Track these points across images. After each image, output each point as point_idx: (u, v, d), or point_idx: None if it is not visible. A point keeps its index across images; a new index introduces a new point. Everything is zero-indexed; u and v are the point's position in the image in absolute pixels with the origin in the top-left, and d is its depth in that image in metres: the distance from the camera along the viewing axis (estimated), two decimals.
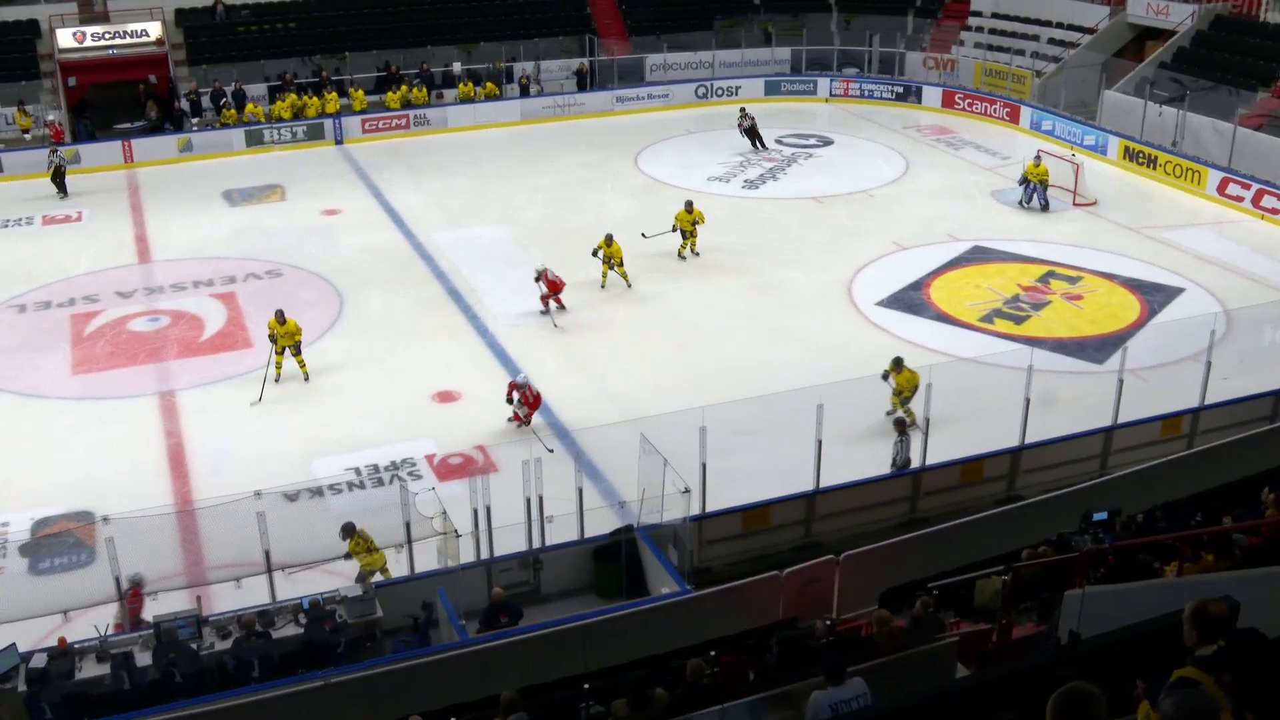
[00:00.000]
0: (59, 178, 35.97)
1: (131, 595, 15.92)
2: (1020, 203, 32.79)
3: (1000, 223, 31.61)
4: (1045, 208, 32.35)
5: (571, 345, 24.80)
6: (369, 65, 43.88)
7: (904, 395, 20.82)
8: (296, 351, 23.20)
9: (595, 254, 27.17)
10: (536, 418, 21.24)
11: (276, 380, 23.01)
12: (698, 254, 29.48)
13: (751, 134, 38.62)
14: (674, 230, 29.40)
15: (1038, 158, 33.09)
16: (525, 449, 16.68)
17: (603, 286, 27.22)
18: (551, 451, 20.16)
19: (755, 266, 28.89)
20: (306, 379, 23.33)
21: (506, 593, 15.78)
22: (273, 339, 22.97)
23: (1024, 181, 32.85)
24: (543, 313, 26.01)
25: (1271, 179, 31.82)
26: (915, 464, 19.07)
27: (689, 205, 29.59)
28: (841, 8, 48.24)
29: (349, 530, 16.80)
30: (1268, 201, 31.58)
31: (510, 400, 21.16)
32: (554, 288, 26.02)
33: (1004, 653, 11.73)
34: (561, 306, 26.29)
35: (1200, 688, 5.78)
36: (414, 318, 26.49)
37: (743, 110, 39.11)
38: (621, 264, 27.32)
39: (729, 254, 29.69)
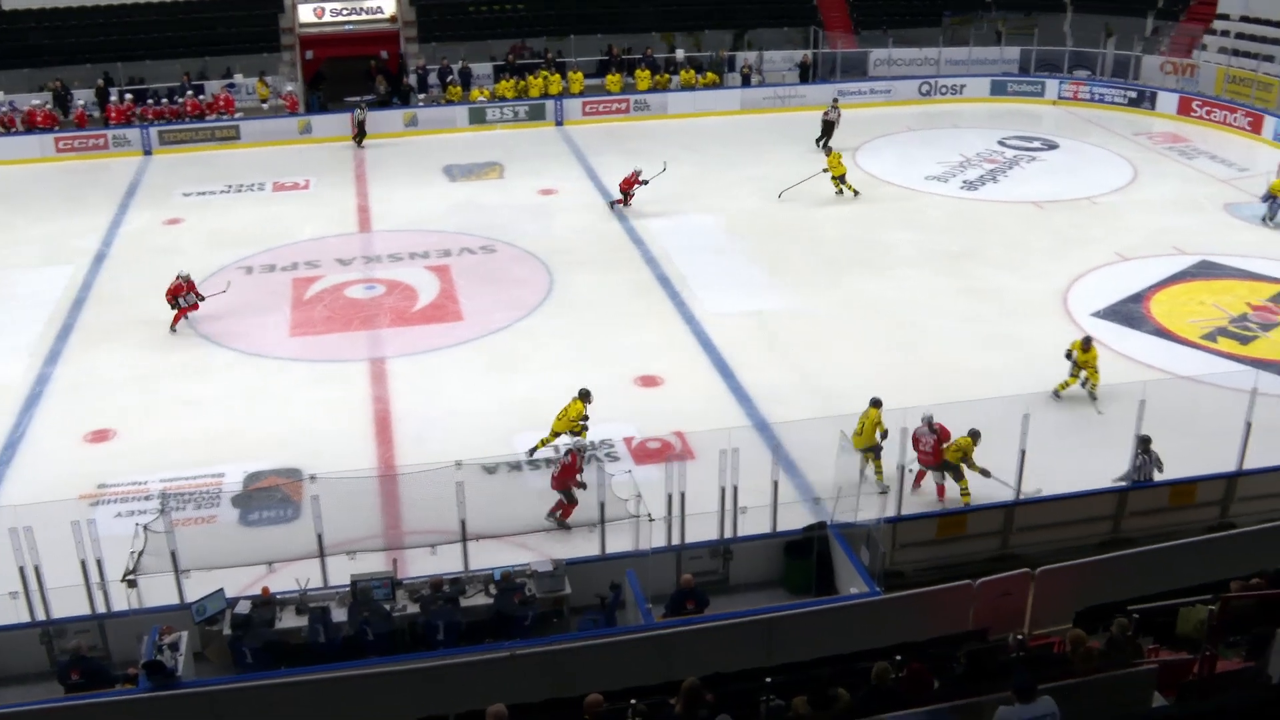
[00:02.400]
0: (360, 129, 39.10)
1: None
2: (1264, 219, 31.20)
3: (1232, 238, 30.16)
4: None
5: (776, 335, 24.65)
6: (593, 49, 44.47)
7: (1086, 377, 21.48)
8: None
9: (1069, 356, 21.79)
10: None
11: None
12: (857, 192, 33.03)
13: (828, 129, 37.96)
14: (824, 172, 32.78)
15: None
16: (724, 438, 16.62)
17: (1057, 394, 21.79)
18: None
19: (969, 269, 28.25)
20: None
21: (695, 580, 15.78)
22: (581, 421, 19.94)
23: (1269, 198, 31.25)
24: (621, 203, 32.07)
25: None
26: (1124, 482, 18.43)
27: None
28: (1077, 8, 46.80)
29: (585, 395, 19.61)
30: None
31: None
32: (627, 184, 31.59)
33: (1207, 685, 11.21)
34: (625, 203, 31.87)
35: None
36: (622, 301, 26.72)
37: (835, 101, 38.74)
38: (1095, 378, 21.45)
39: (943, 254, 29.10)
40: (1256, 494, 18.30)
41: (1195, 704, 10.50)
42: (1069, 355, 21.78)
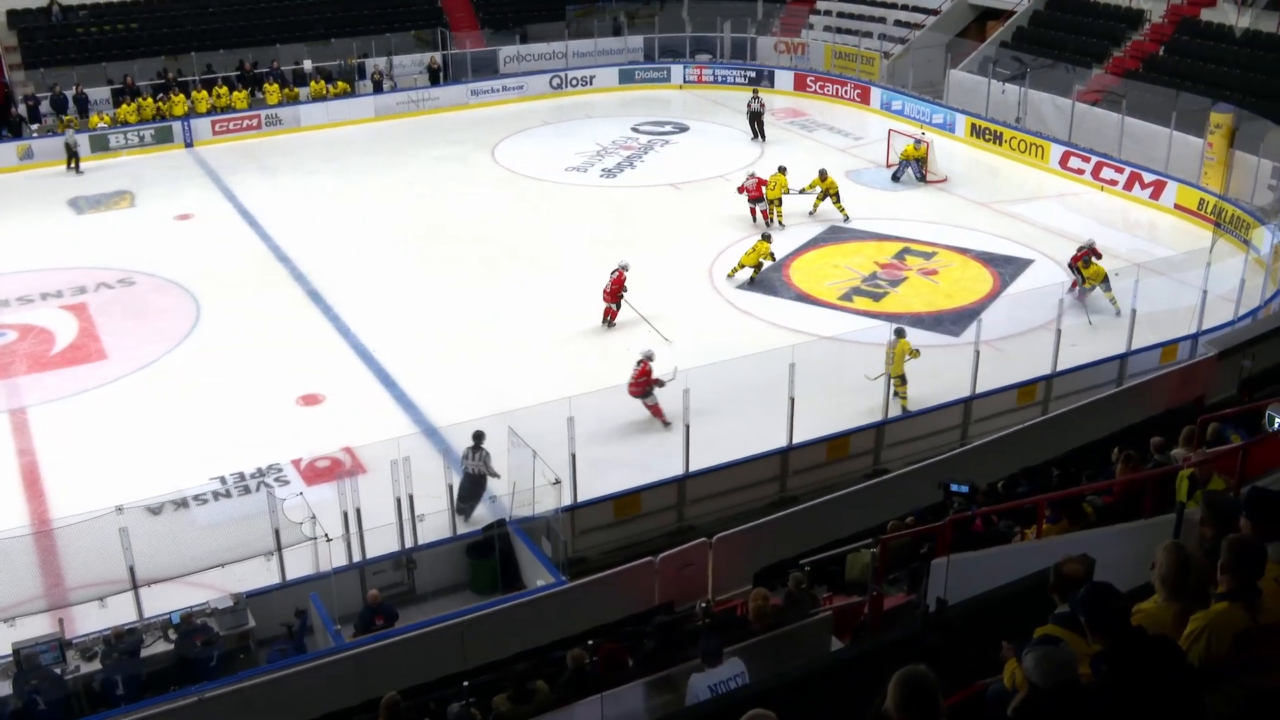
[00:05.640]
0: (72, 156, 37.41)
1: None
2: (894, 177, 33.87)
3: (856, 203, 32.07)
4: (923, 179, 33.56)
5: (436, 339, 24.61)
6: (217, 65, 42.90)
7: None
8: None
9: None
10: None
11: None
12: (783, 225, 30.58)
13: (755, 120, 38.42)
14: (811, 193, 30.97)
15: (918, 142, 34.07)
16: (393, 448, 16.52)
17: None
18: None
19: (617, 254, 28.84)
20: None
21: (382, 595, 15.65)
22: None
23: (904, 162, 33.96)
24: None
25: (1109, 152, 32.90)
26: (782, 443, 19.28)
27: (781, 169, 30.95)
28: None
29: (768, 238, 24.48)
30: (1106, 173, 32.69)
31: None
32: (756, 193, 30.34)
33: (876, 624, 11.96)
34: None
35: (1061, 644, 5.99)
36: (274, 321, 25.98)
37: (755, 92, 39.16)
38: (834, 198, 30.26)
39: (590, 243, 29.69)
40: (902, 439, 19.63)
41: (866, 643, 11.16)
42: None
